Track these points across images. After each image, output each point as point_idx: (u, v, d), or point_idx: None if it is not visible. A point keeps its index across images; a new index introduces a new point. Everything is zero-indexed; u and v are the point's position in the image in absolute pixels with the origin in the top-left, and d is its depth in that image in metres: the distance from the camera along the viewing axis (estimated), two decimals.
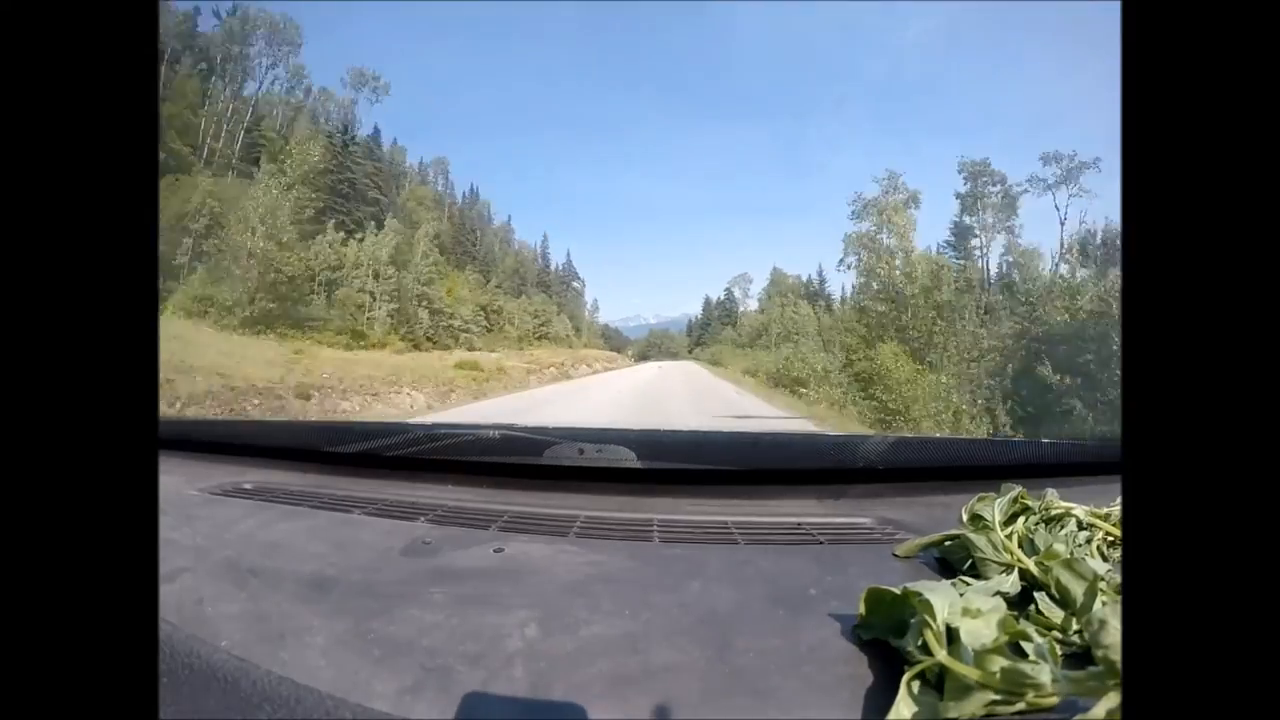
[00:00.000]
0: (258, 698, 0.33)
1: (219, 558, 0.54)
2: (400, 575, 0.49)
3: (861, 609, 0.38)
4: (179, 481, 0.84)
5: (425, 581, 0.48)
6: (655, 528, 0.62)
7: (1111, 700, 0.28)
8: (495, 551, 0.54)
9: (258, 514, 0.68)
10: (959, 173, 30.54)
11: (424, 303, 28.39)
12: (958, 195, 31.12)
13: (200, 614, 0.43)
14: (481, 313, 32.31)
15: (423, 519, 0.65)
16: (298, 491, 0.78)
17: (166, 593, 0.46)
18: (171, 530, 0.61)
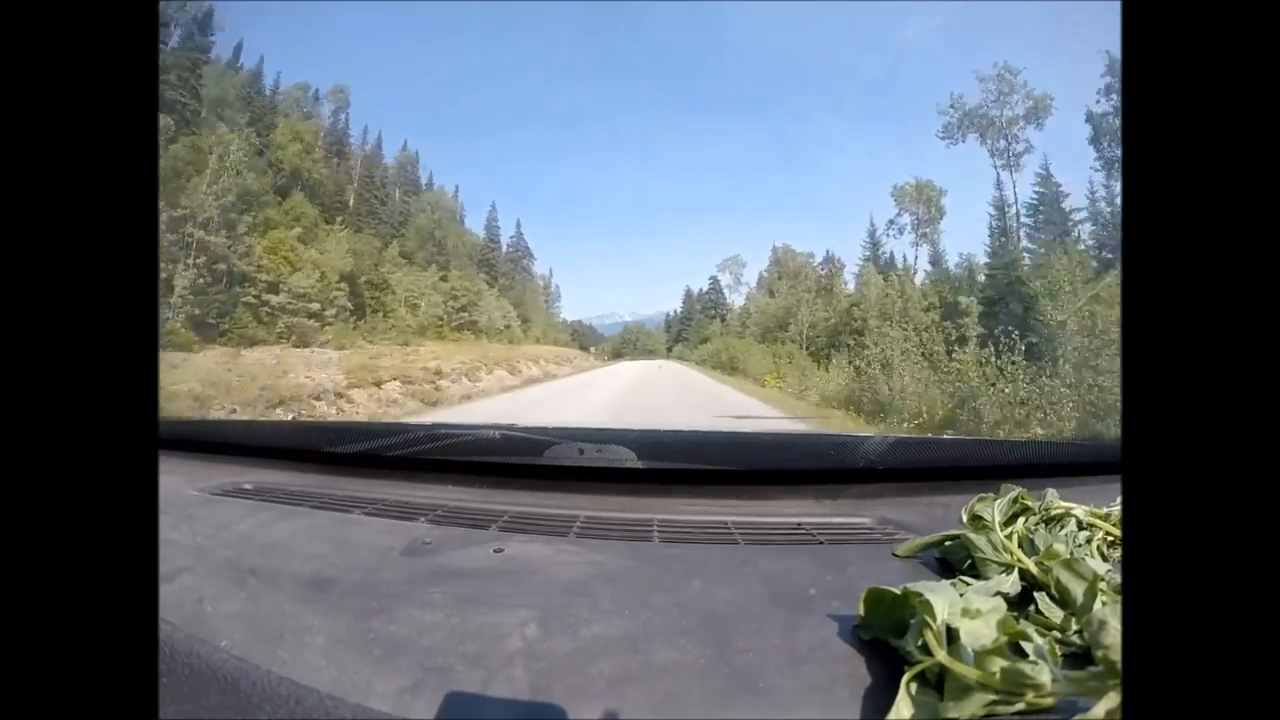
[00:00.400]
0: (258, 698, 0.33)
1: (219, 558, 0.54)
2: (400, 575, 0.49)
3: (861, 609, 0.38)
4: (179, 481, 0.84)
5: (425, 581, 0.48)
6: (655, 528, 0.61)
7: (1111, 700, 0.28)
8: (495, 551, 0.54)
9: (258, 514, 0.68)
10: (1102, 75, 18.24)
11: (198, 260, 16.42)
12: (1089, 116, 18.63)
13: (200, 614, 0.43)
14: (343, 286, 20.53)
15: (423, 519, 0.65)
16: (298, 491, 0.78)
17: (166, 593, 0.46)
18: (171, 530, 0.61)
